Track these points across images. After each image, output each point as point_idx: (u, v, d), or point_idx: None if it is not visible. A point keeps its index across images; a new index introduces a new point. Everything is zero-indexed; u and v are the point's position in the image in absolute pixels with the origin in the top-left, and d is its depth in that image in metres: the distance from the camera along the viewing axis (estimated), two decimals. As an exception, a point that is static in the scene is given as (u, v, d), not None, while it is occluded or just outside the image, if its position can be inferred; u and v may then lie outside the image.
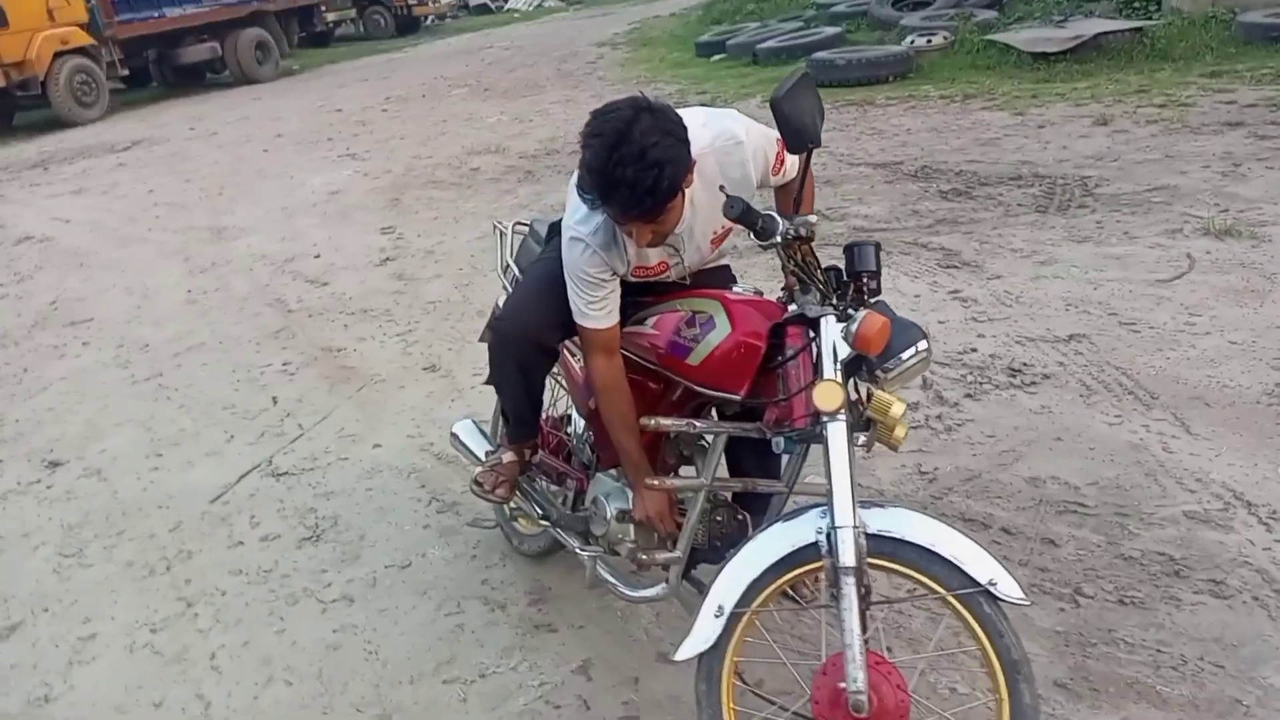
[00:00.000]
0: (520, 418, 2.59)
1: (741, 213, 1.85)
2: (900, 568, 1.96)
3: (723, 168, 2.11)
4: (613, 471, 2.53)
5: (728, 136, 2.12)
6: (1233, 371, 3.59)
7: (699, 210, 2.16)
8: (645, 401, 2.41)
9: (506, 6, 28.18)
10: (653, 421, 2.09)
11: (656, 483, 2.12)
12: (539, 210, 7.05)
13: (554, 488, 2.78)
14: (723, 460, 2.31)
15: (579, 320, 2.21)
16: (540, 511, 2.66)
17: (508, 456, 2.64)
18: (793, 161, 2.22)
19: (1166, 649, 2.42)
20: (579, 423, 2.73)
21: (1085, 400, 3.55)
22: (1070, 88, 8.40)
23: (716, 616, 2.02)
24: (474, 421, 3.07)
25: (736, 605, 2.01)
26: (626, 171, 1.86)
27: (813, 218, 1.94)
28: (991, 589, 1.88)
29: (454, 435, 3.04)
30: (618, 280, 2.19)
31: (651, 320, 2.35)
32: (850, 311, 1.95)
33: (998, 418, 3.52)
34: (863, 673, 1.88)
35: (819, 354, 2.00)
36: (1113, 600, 2.60)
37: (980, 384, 3.77)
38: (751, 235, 1.94)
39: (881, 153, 7.29)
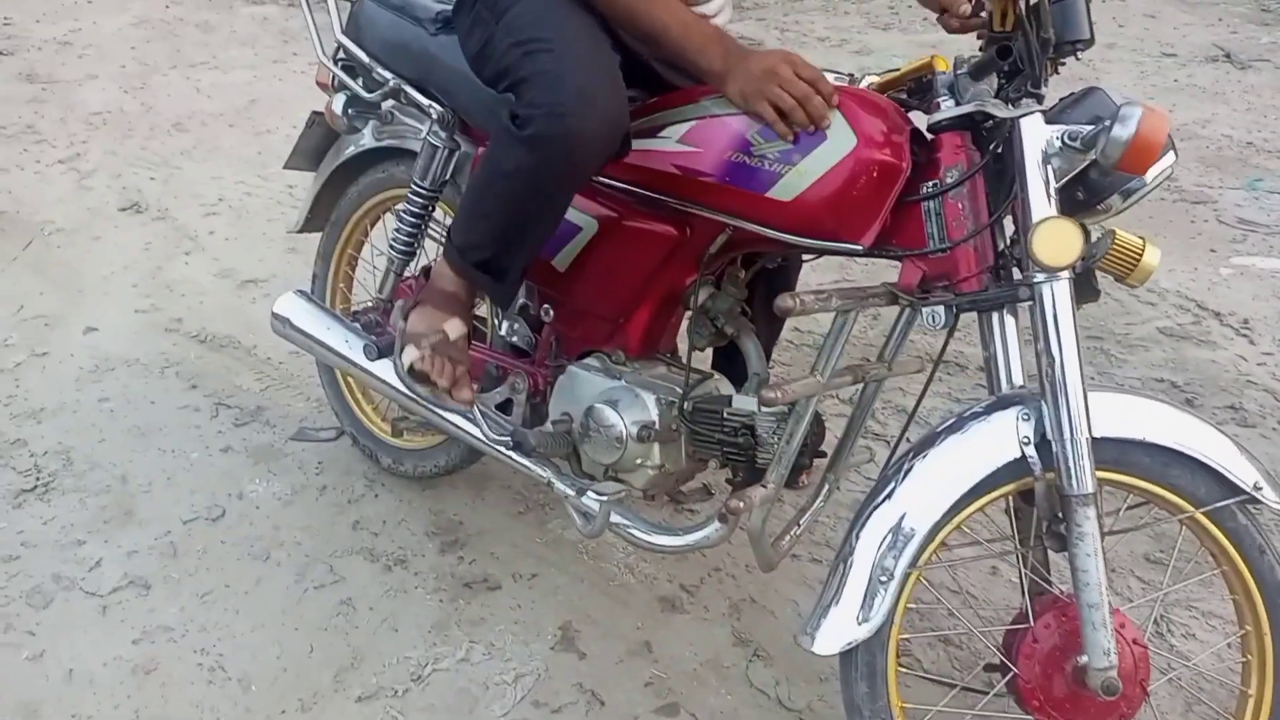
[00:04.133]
0: (522, 265, 1.58)
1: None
2: (1128, 478, 1.39)
3: None
4: (592, 362, 1.70)
5: None
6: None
7: None
8: (645, 267, 1.60)
9: None
10: (797, 303, 1.27)
11: (777, 394, 1.32)
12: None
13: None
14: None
15: None
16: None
17: (454, 327, 1.65)
18: None
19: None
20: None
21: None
22: None
23: (883, 582, 1.35)
24: (304, 293, 2.04)
25: (909, 563, 1.35)
26: None
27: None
28: (1257, 494, 1.38)
29: (281, 320, 1.99)
30: None
31: (681, 131, 1.50)
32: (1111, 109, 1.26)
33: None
34: (1114, 643, 1.31)
35: (1016, 175, 1.31)
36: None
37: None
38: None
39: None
